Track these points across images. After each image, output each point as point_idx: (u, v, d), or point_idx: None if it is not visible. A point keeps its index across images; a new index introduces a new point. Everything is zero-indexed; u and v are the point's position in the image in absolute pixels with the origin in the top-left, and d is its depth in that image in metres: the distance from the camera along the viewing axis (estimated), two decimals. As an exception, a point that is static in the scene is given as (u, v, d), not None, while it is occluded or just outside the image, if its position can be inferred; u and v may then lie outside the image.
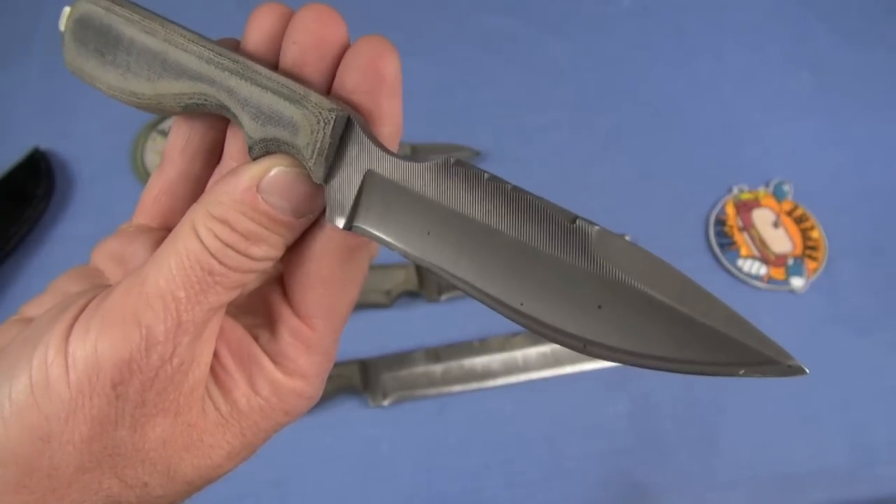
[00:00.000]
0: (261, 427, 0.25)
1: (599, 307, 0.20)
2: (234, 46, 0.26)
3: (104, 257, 0.28)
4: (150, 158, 0.72)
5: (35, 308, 0.26)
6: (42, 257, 0.67)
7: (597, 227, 0.21)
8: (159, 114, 0.26)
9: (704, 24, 0.83)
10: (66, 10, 0.26)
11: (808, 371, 0.19)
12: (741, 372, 0.19)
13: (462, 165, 0.22)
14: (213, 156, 0.27)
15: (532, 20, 0.83)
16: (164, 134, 0.74)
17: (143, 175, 0.71)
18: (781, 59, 0.80)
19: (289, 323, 0.25)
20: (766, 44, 0.81)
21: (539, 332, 0.21)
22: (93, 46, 0.26)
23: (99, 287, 0.26)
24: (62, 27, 0.26)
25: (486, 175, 0.21)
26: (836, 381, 0.61)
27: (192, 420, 0.23)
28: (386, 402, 0.59)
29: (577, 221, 0.21)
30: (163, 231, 0.28)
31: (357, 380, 0.59)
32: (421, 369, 0.60)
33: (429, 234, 0.22)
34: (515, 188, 0.21)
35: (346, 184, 0.23)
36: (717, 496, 0.57)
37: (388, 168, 0.22)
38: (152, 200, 0.28)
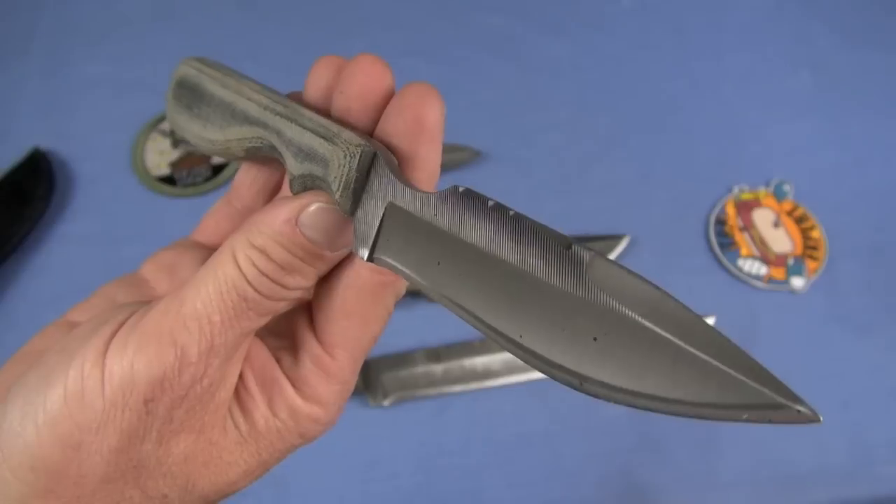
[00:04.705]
0: (276, 447, 0.25)
1: (595, 339, 0.19)
2: (299, 98, 0.27)
3: (156, 267, 0.29)
4: (151, 158, 0.72)
5: (80, 313, 0.27)
6: (42, 257, 0.67)
7: (591, 253, 0.20)
8: (228, 158, 0.29)
9: (704, 23, 0.83)
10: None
11: (821, 419, 0.17)
12: (745, 416, 0.18)
13: (469, 194, 0.22)
14: (275, 194, 0.30)
15: (532, 20, 0.83)
16: (165, 134, 0.74)
17: (143, 175, 0.71)
18: (781, 59, 0.80)
19: (311, 350, 0.26)
20: (766, 44, 0.81)
21: (538, 367, 0.20)
22: (185, 103, 0.29)
23: (144, 298, 0.27)
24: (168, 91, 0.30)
25: (490, 202, 0.21)
26: (836, 381, 0.61)
27: (213, 438, 0.24)
28: (386, 402, 0.59)
29: (573, 247, 0.20)
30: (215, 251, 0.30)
31: (357, 380, 0.59)
32: (421, 369, 0.60)
33: (439, 264, 0.22)
34: (517, 214, 0.21)
35: (371, 216, 0.23)
36: (717, 496, 0.57)
37: (407, 200, 0.23)
38: (214, 224, 0.30)
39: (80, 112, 0.76)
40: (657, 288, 0.19)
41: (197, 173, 0.71)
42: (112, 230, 0.69)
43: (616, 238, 0.67)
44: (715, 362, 0.18)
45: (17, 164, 0.69)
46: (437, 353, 0.61)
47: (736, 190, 0.71)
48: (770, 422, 0.17)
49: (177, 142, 0.73)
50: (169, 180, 0.71)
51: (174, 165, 0.72)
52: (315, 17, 0.83)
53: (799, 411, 0.17)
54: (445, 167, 0.71)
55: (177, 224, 0.32)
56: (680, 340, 0.19)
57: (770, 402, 0.17)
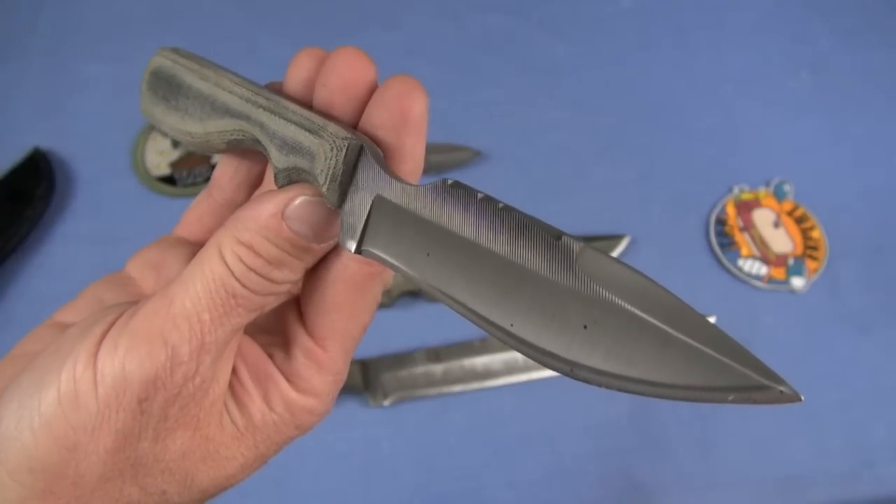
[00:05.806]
0: (273, 440, 0.26)
1: (585, 327, 0.20)
2: (279, 89, 0.27)
3: (141, 264, 0.29)
4: (151, 158, 0.72)
5: (68, 314, 0.27)
6: (42, 257, 0.67)
7: (580, 244, 0.20)
8: (208, 151, 0.29)
9: (704, 23, 0.83)
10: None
11: (802, 398, 0.18)
12: (730, 398, 0.18)
13: (458, 186, 0.22)
14: (256, 187, 0.29)
15: (532, 20, 0.83)
16: (165, 134, 0.74)
17: (143, 175, 0.71)
18: (781, 59, 0.80)
19: (303, 344, 0.26)
20: (766, 44, 0.81)
21: (529, 354, 0.21)
22: (161, 94, 0.28)
23: (131, 296, 0.27)
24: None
25: (479, 195, 0.22)
26: (836, 381, 0.61)
27: (210, 433, 0.24)
28: (386, 402, 0.59)
29: (563, 238, 0.21)
30: (200, 246, 0.29)
31: (358, 380, 0.59)
32: (421, 369, 0.60)
33: (428, 255, 0.22)
34: (506, 207, 0.21)
35: (358, 209, 0.23)
36: (717, 496, 0.57)
37: (395, 193, 0.23)
38: (196, 219, 0.30)
39: (80, 112, 0.76)
40: (646, 277, 0.20)
41: (197, 173, 0.71)
42: (112, 230, 0.69)
43: (616, 238, 0.67)
44: (701, 347, 0.19)
45: (17, 164, 0.69)
46: (437, 353, 0.61)
47: (736, 190, 0.71)
48: (754, 402, 0.18)
49: (177, 141, 0.73)
50: (169, 180, 0.71)
51: (174, 165, 0.72)
52: (315, 16, 0.83)
53: (781, 391, 0.18)
54: (445, 167, 0.72)
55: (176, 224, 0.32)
56: (667, 326, 0.19)
57: (754, 383, 0.18)
